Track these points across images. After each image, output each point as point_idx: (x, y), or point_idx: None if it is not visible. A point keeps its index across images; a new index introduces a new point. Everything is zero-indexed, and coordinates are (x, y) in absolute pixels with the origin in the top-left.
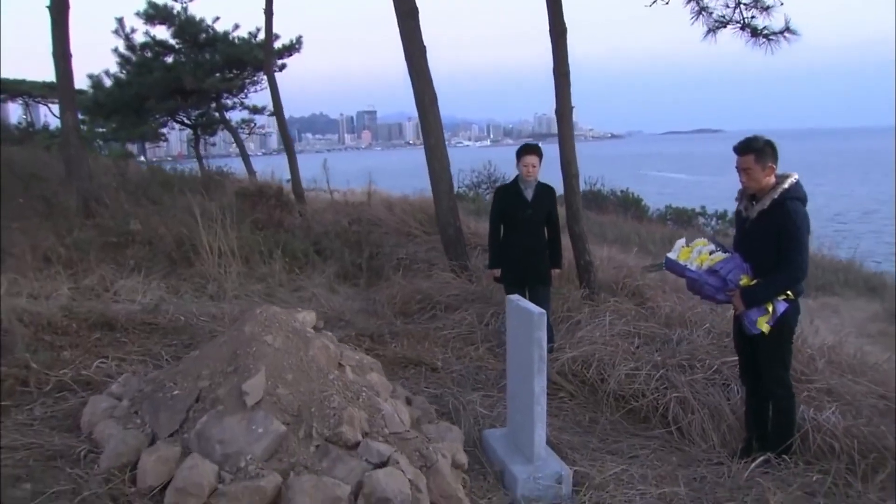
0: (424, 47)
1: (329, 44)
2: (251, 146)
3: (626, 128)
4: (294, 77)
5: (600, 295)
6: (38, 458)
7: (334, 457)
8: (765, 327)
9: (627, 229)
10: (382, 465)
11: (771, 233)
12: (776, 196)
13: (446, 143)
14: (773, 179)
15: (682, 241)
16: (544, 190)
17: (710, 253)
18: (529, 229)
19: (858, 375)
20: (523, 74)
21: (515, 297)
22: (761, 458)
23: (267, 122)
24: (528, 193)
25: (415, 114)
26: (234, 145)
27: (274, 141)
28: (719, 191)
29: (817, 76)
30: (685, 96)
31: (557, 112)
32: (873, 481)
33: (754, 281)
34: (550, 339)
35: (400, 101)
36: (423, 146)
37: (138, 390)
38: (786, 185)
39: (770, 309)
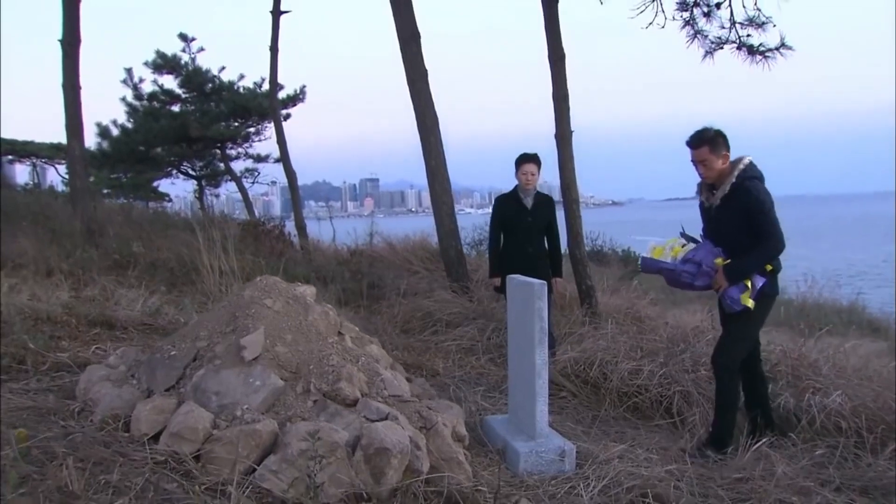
0: (426, 71)
1: (333, 113)
2: (255, 212)
3: (626, 195)
4: (298, 146)
5: (602, 315)
6: (31, 414)
7: (332, 411)
8: (749, 302)
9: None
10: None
11: (737, 215)
12: (734, 180)
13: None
14: (728, 166)
15: (654, 241)
16: (544, 199)
17: (682, 246)
18: (529, 237)
19: (864, 380)
20: (525, 141)
21: (515, 275)
22: (766, 440)
23: (269, 190)
24: (528, 202)
25: (417, 181)
26: (239, 203)
27: (277, 207)
28: None
29: (811, 144)
30: (685, 164)
31: (557, 136)
32: (882, 453)
33: (728, 260)
34: (552, 346)
35: (402, 169)
36: (425, 213)
37: (135, 360)
38: (741, 167)
39: (749, 284)
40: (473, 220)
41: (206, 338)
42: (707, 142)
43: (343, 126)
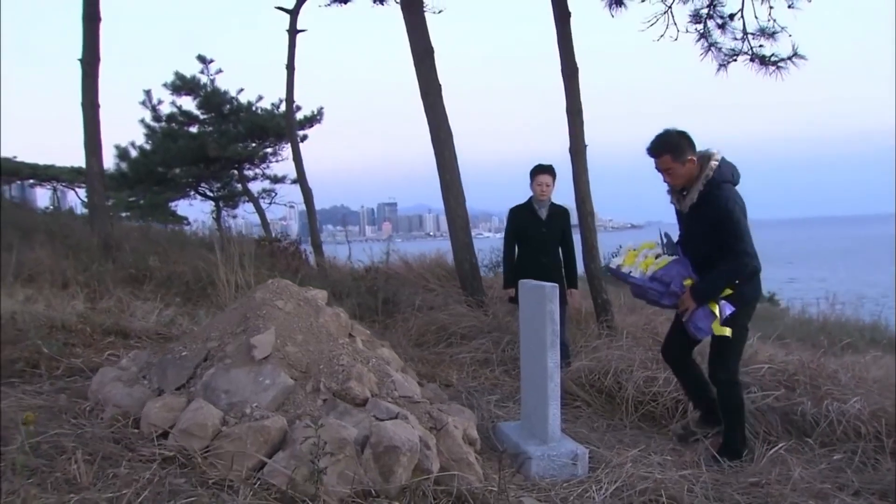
0: (440, 86)
1: (351, 138)
2: (273, 233)
3: (645, 218)
4: (316, 170)
5: (618, 329)
6: (43, 412)
7: (342, 410)
8: (725, 331)
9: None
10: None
11: (707, 224)
12: (702, 187)
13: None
14: (696, 168)
15: (629, 245)
16: (558, 210)
17: (656, 256)
18: (544, 248)
19: (884, 389)
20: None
21: (527, 280)
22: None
23: (288, 214)
24: (542, 213)
25: (435, 206)
26: (257, 227)
27: (294, 231)
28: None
29: (836, 165)
30: None
31: (571, 150)
32: None
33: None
34: (567, 356)
35: (420, 193)
36: (443, 237)
37: (147, 362)
38: (709, 173)
39: (717, 312)
40: (492, 243)
41: (217, 338)
42: (669, 149)
43: (361, 151)
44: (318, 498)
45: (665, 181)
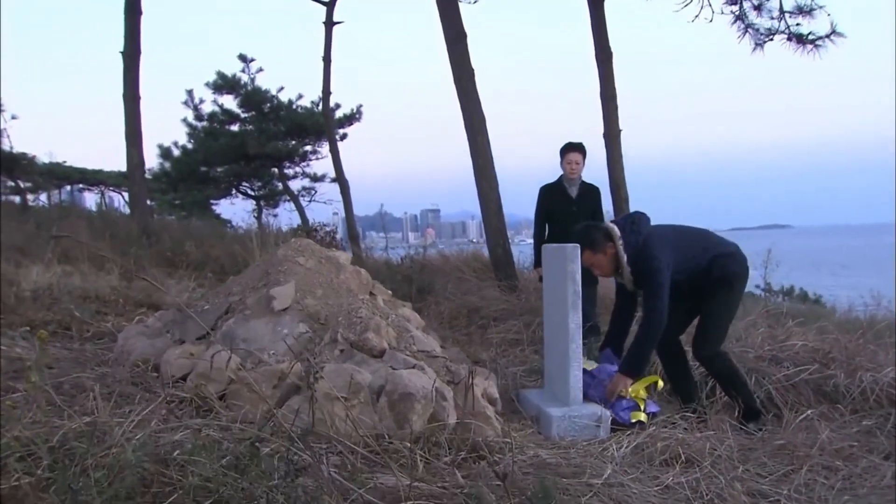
0: (473, 70)
1: (394, 144)
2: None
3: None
4: (359, 176)
5: None
6: (69, 362)
7: (359, 360)
8: (641, 416)
9: None
10: None
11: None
12: (627, 265)
13: (509, 241)
14: (612, 250)
15: None
16: (589, 188)
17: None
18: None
19: None
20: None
21: (549, 244)
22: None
23: (332, 220)
24: (573, 191)
25: (478, 212)
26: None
27: (337, 237)
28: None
29: (886, 169)
30: (751, 192)
31: (605, 135)
32: None
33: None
34: (597, 333)
35: (463, 199)
36: (485, 242)
37: (172, 319)
38: (622, 253)
39: (642, 405)
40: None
41: (238, 293)
42: (586, 245)
43: (403, 157)
44: (331, 440)
45: (597, 275)
